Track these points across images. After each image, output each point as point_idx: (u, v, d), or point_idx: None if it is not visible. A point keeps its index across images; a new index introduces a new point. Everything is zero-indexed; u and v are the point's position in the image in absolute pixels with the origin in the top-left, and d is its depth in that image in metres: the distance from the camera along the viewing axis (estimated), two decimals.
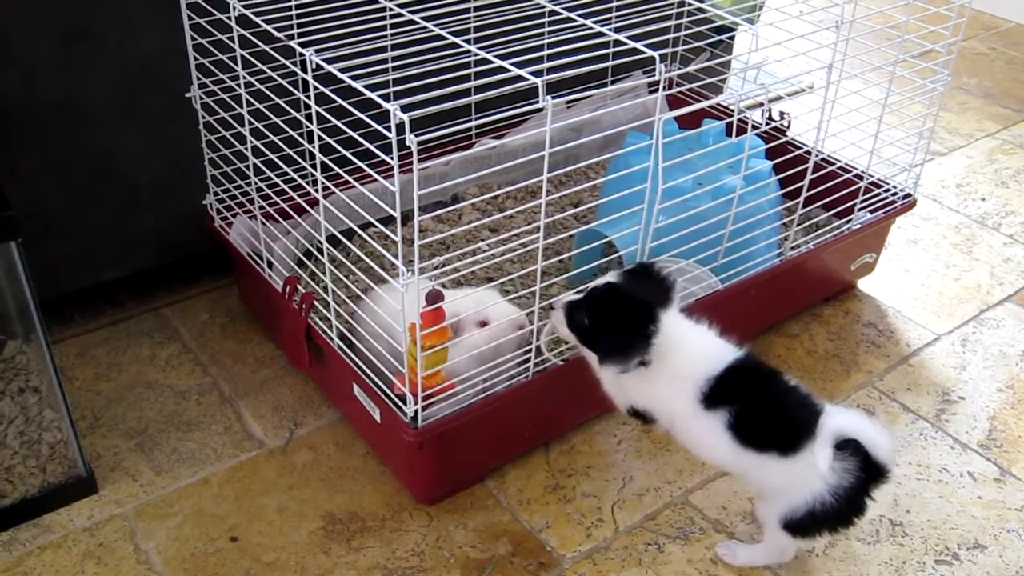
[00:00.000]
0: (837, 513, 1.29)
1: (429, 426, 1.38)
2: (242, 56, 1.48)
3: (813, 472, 1.27)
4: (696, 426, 1.32)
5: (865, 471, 1.27)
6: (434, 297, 1.29)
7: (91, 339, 1.84)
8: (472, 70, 1.41)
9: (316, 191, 1.37)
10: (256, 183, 1.61)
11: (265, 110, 1.50)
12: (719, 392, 1.29)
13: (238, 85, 1.51)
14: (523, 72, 1.22)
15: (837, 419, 1.28)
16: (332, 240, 1.50)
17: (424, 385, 1.35)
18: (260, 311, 1.88)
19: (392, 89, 1.29)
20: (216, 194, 1.78)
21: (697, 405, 1.30)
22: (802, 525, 1.31)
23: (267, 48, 1.45)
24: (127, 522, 1.48)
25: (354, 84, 1.21)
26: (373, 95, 1.18)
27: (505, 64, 1.24)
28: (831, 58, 1.59)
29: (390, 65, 1.61)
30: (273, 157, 1.53)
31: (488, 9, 1.85)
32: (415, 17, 1.42)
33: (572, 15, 1.47)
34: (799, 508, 1.30)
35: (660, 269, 1.33)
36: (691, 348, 1.32)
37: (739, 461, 1.32)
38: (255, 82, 1.49)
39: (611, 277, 1.35)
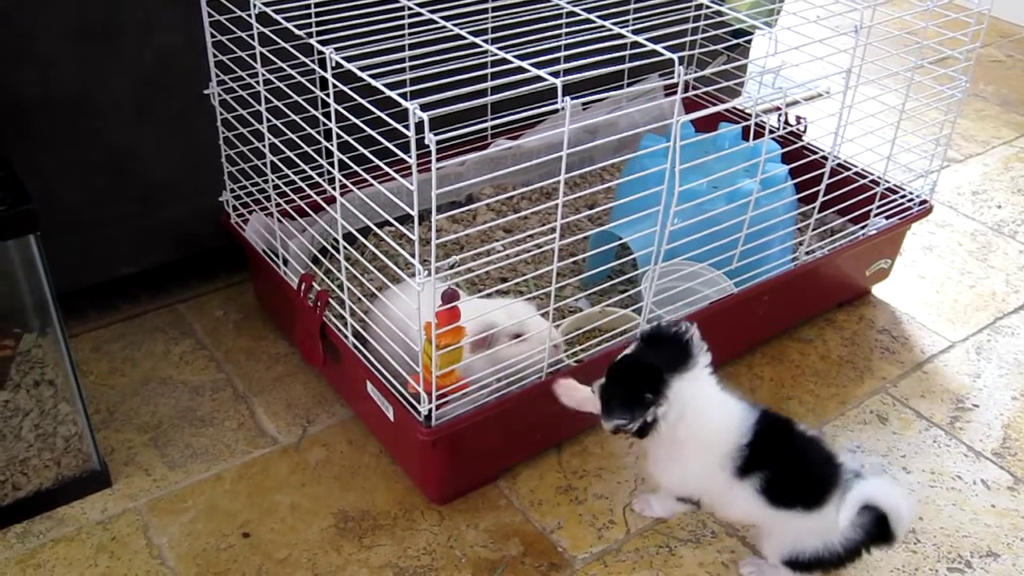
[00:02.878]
0: (839, 559, 1.31)
1: (442, 425, 1.38)
2: (261, 53, 1.48)
3: (831, 524, 1.27)
4: (731, 495, 1.31)
5: (877, 531, 1.28)
6: (450, 296, 1.29)
7: (106, 334, 1.85)
8: (489, 71, 1.41)
9: (333, 189, 1.38)
10: (273, 180, 1.61)
11: (283, 107, 1.51)
12: (750, 460, 1.28)
13: (257, 82, 1.52)
14: (542, 72, 1.22)
15: (869, 486, 1.27)
16: (347, 238, 1.51)
17: (438, 384, 1.35)
18: (275, 308, 1.88)
19: (409, 88, 1.30)
20: (233, 191, 1.79)
21: (731, 476, 1.29)
22: (804, 565, 1.33)
23: (286, 45, 1.45)
24: (140, 516, 1.49)
25: (374, 83, 1.21)
26: (393, 93, 1.18)
27: (524, 64, 1.24)
28: (849, 63, 1.59)
29: (407, 64, 1.61)
30: (290, 154, 1.54)
31: (506, 9, 1.86)
32: (434, 16, 1.42)
33: (591, 16, 1.47)
34: (807, 551, 1.31)
35: (682, 333, 1.29)
36: (716, 419, 1.30)
37: (767, 518, 1.32)
38: (274, 79, 1.50)
39: (631, 347, 1.32)
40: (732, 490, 1.30)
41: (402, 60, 1.61)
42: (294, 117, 1.51)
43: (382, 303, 1.55)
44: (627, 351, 1.31)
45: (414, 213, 1.20)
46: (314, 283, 1.60)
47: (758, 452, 1.28)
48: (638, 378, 1.26)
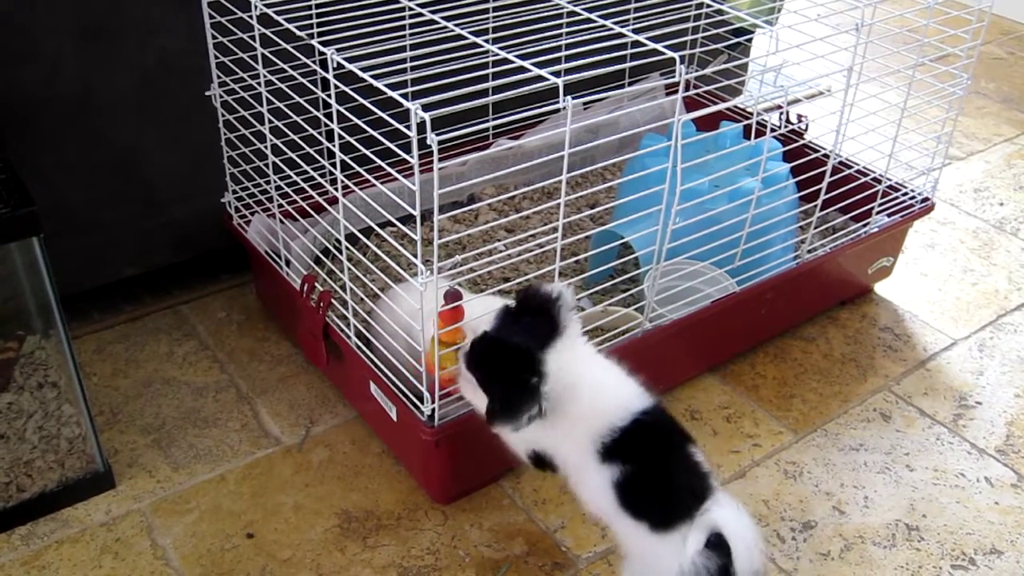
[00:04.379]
0: None
1: (446, 425, 1.38)
2: (263, 54, 1.48)
3: (678, 554, 1.12)
4: (587, 477, 1.20)
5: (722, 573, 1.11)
6: (452, 296, 1.29)
7: (109, 335, 1.86)
8: (490, 70, 1.41)
9: (335, 189, 1.38)
10: (275, 181, 1.62)
11: (285, 108, 1.51)
12: (619, 446, 1.16)
13: (258, 83, 1.52)
14: (543, 72, 1.22)
15: (722, 512, 1.13)
16: (350, 238, 1.51)
17: (441, 383, 1.35)
18: (277, 309, 1.89)
19: (411, 89, 1.30)
20: (235, 192, 1.79)
21: (593, 455, 1.18)
22: None
23: (288, 47, 1.46)
24: (144, 518, 1.49)
25: (376, 83, 1.21)
26: (394, 94, 1.18)
27: (526, 64, 1.24)
28: (850, 61, 1.59)
29: (409, 65, 1.62)
30: (292, 155, 1.54)
31: (507, 9, 1.86)
32: (435, 17, 1.43)
33: (591, 16, 1.47)
34: None
35: (545, 293, 1.18)
36: (596, 389, 1.20)
37: (615, 521, 1.21)
38: (275, 80, 1.50)
39: (494, 319, 1.21)
40: (588, 470, 1.19)
41: (403, 60, 1.61)
42: (296, 118, 1.51)
43: (384, 302, 1.55)
44: (482, 332, 1.19)
45: (416, 213, 1.20)
46: (317, 284, 1.60)
47: (630, 442, 1.17)
48: (518, 367, 1.14)
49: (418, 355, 1.38)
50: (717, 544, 1.10)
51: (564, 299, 1.18)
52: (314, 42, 1.35)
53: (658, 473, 1.18)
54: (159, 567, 1.41)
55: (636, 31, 1.41)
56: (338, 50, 1.27)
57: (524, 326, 1.18)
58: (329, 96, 1.29)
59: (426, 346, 1.33)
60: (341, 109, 1.29)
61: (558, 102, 1.20)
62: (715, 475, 1.21)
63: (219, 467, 1.58)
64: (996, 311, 2.02)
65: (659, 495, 1.17)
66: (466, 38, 1.35)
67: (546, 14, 1.82)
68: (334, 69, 1.26)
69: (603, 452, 1.17)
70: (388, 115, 1.20)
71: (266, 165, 1.61)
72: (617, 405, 1.19)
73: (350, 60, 1.26)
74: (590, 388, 1.20)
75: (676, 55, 1.31)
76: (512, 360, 1.16)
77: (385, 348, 1.50)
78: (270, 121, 1.54)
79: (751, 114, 1.66)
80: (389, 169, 1.25)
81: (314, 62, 1.40)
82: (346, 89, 1.27)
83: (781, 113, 2.02)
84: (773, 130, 1.70)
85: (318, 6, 1.66)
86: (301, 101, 1.48)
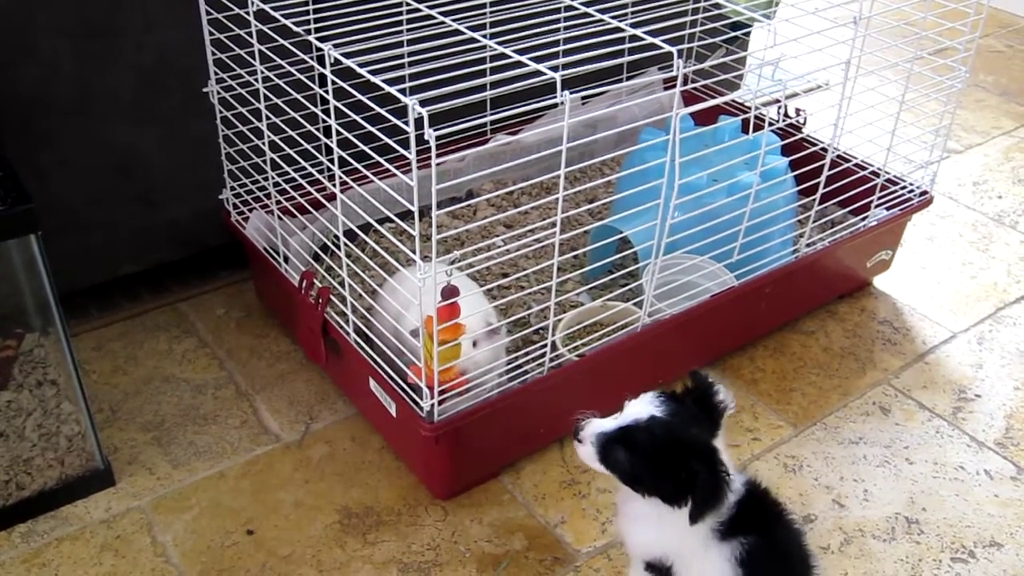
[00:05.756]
0: None
1: (445, 421, 1.39)
2: (260, 51, 1.48)
3: None
4: (703, 562, 1.15)
5: None
6: (449, 292, 1.29)
7: (108, 333, 1.85)
8: (488, 66, 1.41)
9: (333, 185, 1.38)
10: (273, 177, 1.62)
11: (283, 105, 1.51)
12: (734, 524, 1.13)
13: (256, 80, 1.52)
14: (541, 67, 1.22)
15: None
16: (348, 234, 1.51)
17: (439, 380, 1.35)
18: (276, 306, 1.89)
19: (408, 84, 1.30)
20: (233, 189, 1.79)
21: (711, 535, 1.14)
22: None
23: (285, 43, 1.45)
24: (144, 515, 1.49)
25: (373, 79, 1.21)
26: (392, 89, 1.18)
27: (523, 59, 1.24)
28: (848, 55, 1.59)
29: (407, 60, 1.61)
30: (290, 152, 1.54)
31: (504, 4, 1.86)
32: (432, 12, 1.42)
33: (589, 10, 1.47)
34: None
35: (714, 389, 1.15)
36: None
37: None
38: (273, 77, 1.50)
39: (649, 405, 1.13)
40: (707, 553, 1.14)
41: (401, 56, 1.61)
42: (293, 114, 1.51)
43: (380, 295, 1.55)
44: (649, 416, 1.12)
45: (414, 209, 1.20)
46: (315, 280, 1.60)
47: (744, 516, 1.13)
48: (708, 459, 1.09)
49: (407, 343, 1.38)
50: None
51: (725, 398, 1.14)
52: (311, 38, 1.35)
53: (776, 540, 1.16)
54: (159, 564, 1.41)
55: (634, 25, 1.41)
56: (335, 46, 1.27)
57: (687, 414, 1.13)
58: (327, 92, 1.29)
59: (424, 340, 1.33)
60: (339, 105, 1.29)
61: (556, 97, 1.20)
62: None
63: (219, 464, 1.58)
64: (995, 304, 2.03)
65: (778, 563, 1.16)
66: (463, 33, 1.35)
67: (543, 9, 1.82)
68: (331, 65, 1.25)
69: (722, 531, 1.13)
70: (386, 111, 1.20)
71: (264, 162, 1.61)
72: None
73: (347, 56, 1.26)
74: None
75: (674, 49, 1.31)
76: (698, 453, 1.10)
77: (378, 338, 1.50)
78: (268, 118, 1.54)
79: (749, 108, 1.66)
80: (387, 165, 1.25)
81: (311, 58, 1.40)
82: (344, 85, 1.27)
83: (779, 107, 2.01)
84: (771, 124, 1.70)
85: (315, 2, 1.65)
86: (299, 97, 1.48)
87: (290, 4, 1.57)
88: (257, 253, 1.75)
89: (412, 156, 1.16)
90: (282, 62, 1.48)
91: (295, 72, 1.46)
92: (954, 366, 1.85)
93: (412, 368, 1.39)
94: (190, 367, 1.78)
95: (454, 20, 1.39)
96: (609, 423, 1.14)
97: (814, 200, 1.72)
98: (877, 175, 1.89)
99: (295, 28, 1.40)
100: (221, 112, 1.67)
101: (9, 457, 1.43)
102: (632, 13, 1.98)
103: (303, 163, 1.53)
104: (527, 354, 1.52)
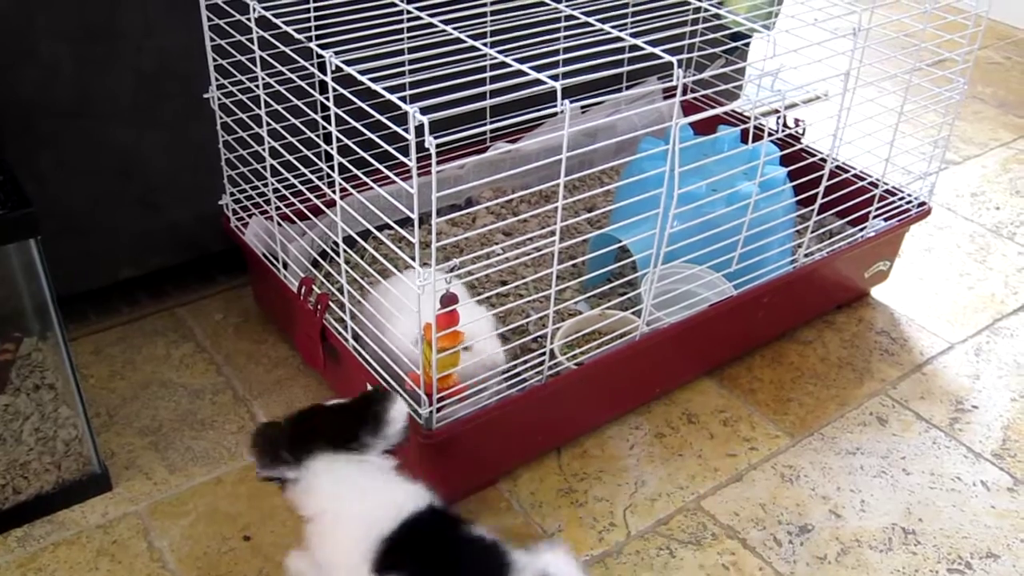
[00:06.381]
0: None
1: (442, 428, 1.38)
2: (261, 57, 1.48)
3: None
4: None
5: None
6: (449, 300, 1.29)
7: (106, 337, 1.85)
8: (488, 74, 1.41)
9: (333, 192, 1.38)
10: (273, 184, 1.62)
11: (283, 111, 1.51)
12: (391, 555, 1.11)
13: (256, 86, 1.52)
14: (541, 76, 1.22)
15: (546, 559, 1.13)
16: (347, 241, 1.51)
17: (438, 387, 1.35)
18: (275, 312, 1.89)
19: (409, 92, 1.30)
20: (232, 194, 1.79)
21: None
22: None
23: (286, 49, 1.46)
24: (141, 520, 1.49)
25: (374, 86, 1.21)
26: (392, 97, 1.18)
27: (523, 68, 1.24)
28: (847, 66, 1.59)
29: (407, 68, 1.62)
30: (290, 158, 1.54)
31: (505, 13, 1.86)
32: (433, 20, 1.43)
33: (589, 20, 1.47)
34: None
35: (386, 405, 1.19)
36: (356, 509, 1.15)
37: None
38: (273, 83, 1.50)
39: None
40: None
41: (401, 64, 1.61)
42: (294, 121, 1.51)
43: (374, 299, 1.55)
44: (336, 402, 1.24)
45: (414, 216, 1.20)
46: (314, 286, 1.60)
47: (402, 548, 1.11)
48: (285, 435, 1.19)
49: (400, 345, 1.38)
50: None
51: (390, 418, 1.20)
52: (312, 45, 1.35)
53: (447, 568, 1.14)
54: (156, 569, 1.41)
55: (634, 35, 1.42)
56: (336, 53, 1.27)
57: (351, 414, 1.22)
58: (327, 99, 1.29)
59: (422, 347, 1.33)
60: (339, 112, 1.29)
61: (556, 106, 1.20)
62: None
63: (216, 469, 1.58)
64: (993, 315, 2.03)
65: None
66: (464, 42, 1.35)
67: (544, 18, 1.82)
68: (332, 72, 1.26)
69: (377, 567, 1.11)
70: (386, 118, 1.20)
71: (264, 168, 1.61)
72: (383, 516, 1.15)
73: (348, 63, 1.26)
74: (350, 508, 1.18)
75: (674, 59, 1.31)
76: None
77: (372, 340, 1.50)
78: (268, 124, 1.54)
79: (749, 118, 1.66)
80: (387, 172, 1.25)
81: (312, 65, 1.40)
82: (344, 92, 1.27)
83: (778, 117, 2.02)
84: (770, 134, 1.71)
85: (316, 9, 1.66)
86: (299, 104, 1.48)
87: (291, 11, 1.58)
88: (256, 259, 1.75)
89: (412, 163, 1.16)
90: (283, 68, 1.49)
91: (296, 79, 1.46)
92: (951, 377, 1.85)
93: (410, 375, 1.39)
94: (188, 372, 1.78)
95: (455, 28, 1.39)
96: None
97: (813, 210, 1.73)
98: (876, 186, 1.90)
99: (296, 35, 1.40)
100: (221, 118, 1.67)
101: (6, 461, 1.43)
102: (632, 23, 1.99)
103: (303, 169, 1.53)
104: (525, 362, 1.52)
